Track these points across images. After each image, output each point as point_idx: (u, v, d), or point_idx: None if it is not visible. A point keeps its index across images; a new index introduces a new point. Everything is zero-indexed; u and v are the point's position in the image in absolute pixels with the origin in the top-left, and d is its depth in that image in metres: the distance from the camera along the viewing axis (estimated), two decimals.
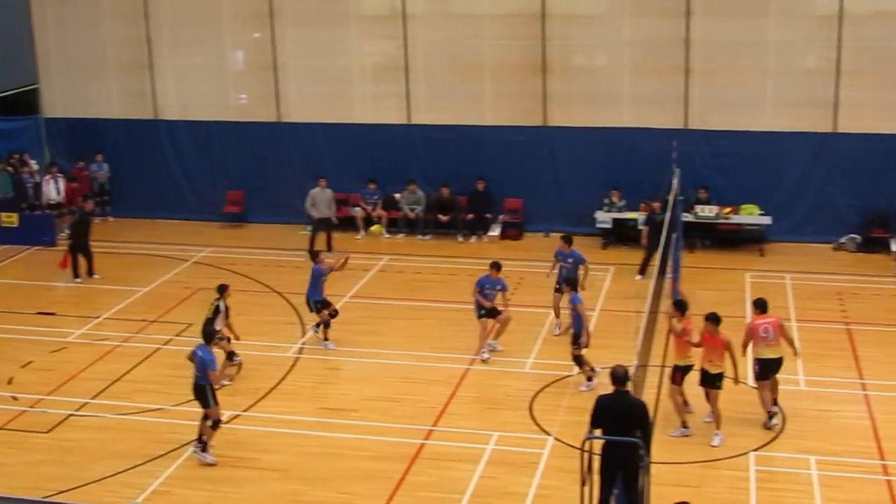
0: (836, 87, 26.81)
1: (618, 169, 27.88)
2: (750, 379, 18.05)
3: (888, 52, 26.82)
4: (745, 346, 17.48)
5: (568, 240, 21.56)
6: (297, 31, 29.25)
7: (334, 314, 20.85)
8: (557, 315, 21.55)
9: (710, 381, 16.94)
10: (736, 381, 17.09)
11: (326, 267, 20.88)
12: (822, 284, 24.36)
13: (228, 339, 19.13)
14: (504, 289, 20.56)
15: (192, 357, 16.50)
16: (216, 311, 18.95)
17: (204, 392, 16.32)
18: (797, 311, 22.63)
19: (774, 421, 17.31)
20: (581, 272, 21.15)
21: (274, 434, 17.37)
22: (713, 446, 16.71)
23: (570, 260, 21.40)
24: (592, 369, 18.68)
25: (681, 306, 17.55)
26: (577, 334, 18.71)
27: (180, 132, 30.27)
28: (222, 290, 19.21)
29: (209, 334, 17.00)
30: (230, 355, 19.31)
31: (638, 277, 24.37)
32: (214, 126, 30.06)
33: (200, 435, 16.47)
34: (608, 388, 13.68)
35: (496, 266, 20.49)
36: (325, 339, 20.84)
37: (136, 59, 30.13)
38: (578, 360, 18.70)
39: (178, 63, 30.20)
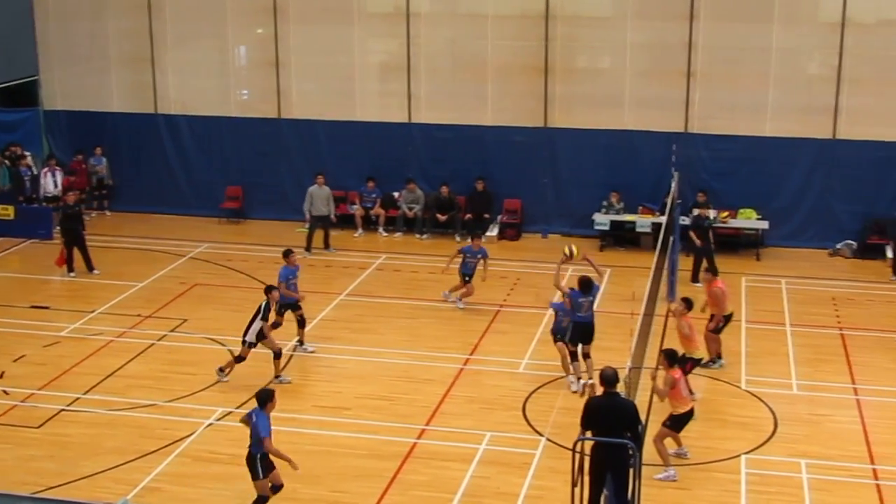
0: (836, 94, 26.85)
1: (617, 171, 27.93)
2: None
3: (889, 61, 26.85)
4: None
5: (479, 237, 23.47)
6: (300, 28, 29.25)
7: (277, 325, 20.31)
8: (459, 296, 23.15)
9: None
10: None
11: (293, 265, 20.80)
12: (818, 290, 24.40)
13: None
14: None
15: (247, 421, 14.79)
16: (263, 310, 18.98)
17: (254, 461, 14.65)
18: (792, 315, 22.69)
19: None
20: (481, 265, 22.91)
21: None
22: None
23: (478, 256, 22.75)
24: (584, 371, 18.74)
25: (688, 304, 18.31)
26: (556, 332, 19.01)
27: (180, 127, 30.27)
28: (269, 290, 19.36)
29: (264, 397, 14.76)
30: (277, 354, 19.21)
31: (698, 285, 24.24)
32: (215, 121, 30.07)
33: None
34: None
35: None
36: (301, 343, 20.65)
37: (137, 52, 30.13)
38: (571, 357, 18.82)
39: (180, 57, 30.21)
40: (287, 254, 20.94)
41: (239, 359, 19.11)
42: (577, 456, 13.03)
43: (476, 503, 15.24)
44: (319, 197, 27.17)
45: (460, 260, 23.05)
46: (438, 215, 28.37)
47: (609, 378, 13.54)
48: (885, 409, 18.33)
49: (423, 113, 29.03)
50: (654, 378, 16.36)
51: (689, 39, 27.22)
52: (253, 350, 18.99)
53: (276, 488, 14.87)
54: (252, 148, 29.96)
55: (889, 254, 26.00)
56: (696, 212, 25.18)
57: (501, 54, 28.46)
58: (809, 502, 15.22)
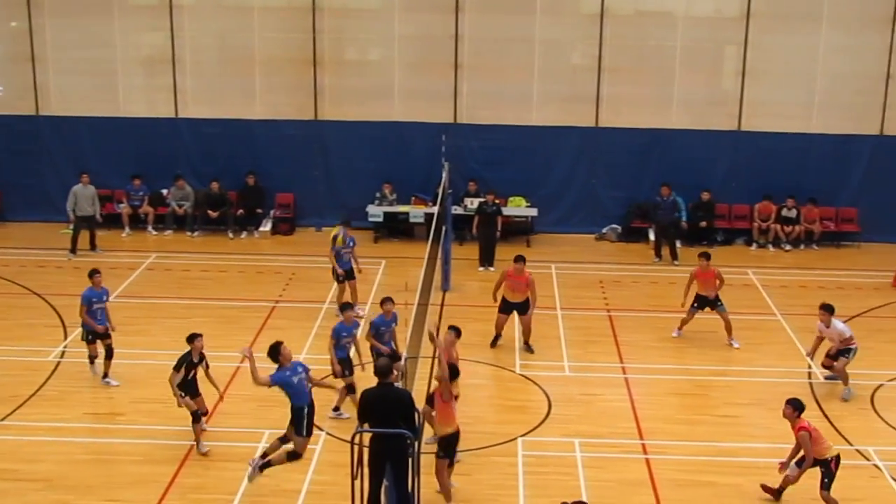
0: (598, 83, 27.77)
1: (389, 163, 28.13)
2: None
3: (646, 50, 28.01)
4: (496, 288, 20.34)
5: (349, 224, 22.30)
6: (57, 21, 28.20)
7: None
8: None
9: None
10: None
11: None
12: (586, 273, 25.20)
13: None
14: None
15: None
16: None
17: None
18: (562, 299, 23.35)
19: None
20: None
21: (35, 442, 16.62)
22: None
23: (351, 245, 21.97)
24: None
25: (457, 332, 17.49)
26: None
27: None
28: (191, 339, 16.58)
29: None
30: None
31: (491, 269, 24.83)
32: None
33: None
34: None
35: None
36: (105, 375, 18.87)
37: None
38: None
39: None
40: (92, 274, 18.78)
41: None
42: (356, 448, 13.02)
43: (256, 503, 15.04)
44: (84, 196, 26.24)
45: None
46: (210, 212, 27.87)
47: (383, 369, 13.57)
48: (651, 385, 19.09)
49: (190, 108, 28.49)
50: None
51: (456, 31, 27.64)
52: (14, 357, 18.19)
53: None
54: (8, 147, 28.65)
55: (651, 237, 27.06)
56: (480, 199, 25.62)
57: (269, 47, 28.20)
58: (584, 480, 15.65)
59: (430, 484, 14.60)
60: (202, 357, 16.51)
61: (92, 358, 18.82)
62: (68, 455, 16.18)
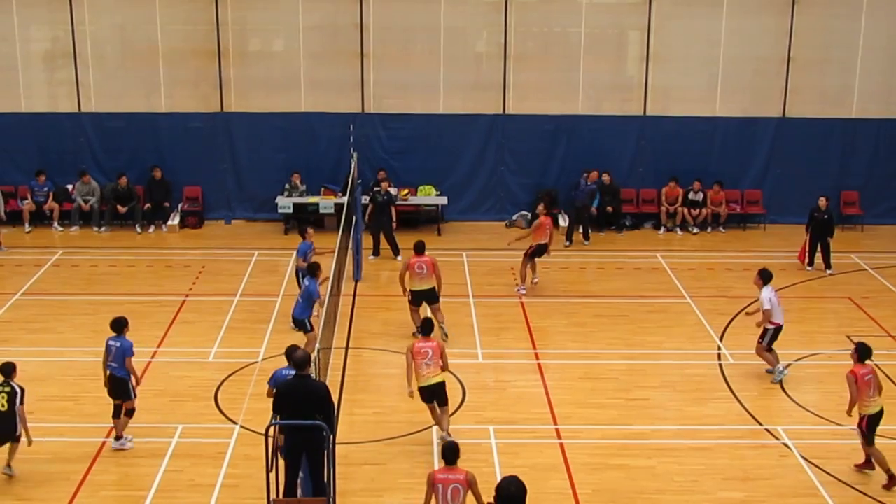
0: (504, 70, 27.90)
1: (297, 154, 28.02)
2: None
3: (551, 37, 28.24)
4: (401, 279, 20.13)
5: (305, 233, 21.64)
6: None
7: None
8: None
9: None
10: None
11: None
12: (497, 260, 25.32)
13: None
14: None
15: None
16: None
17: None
18: (474, 287, 23.45)
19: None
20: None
21: None
22: None
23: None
24: None
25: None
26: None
27: None
28: None
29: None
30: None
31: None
32: None
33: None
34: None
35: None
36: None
37: None
38: None
39: None
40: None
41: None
42: (271, 441, 12.96)
43: (170, 498, 14.89)
44: None
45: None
46: (119, 207, 27.46)
47: (299, 361, 13.52)
48: (563, 370, 19.25)
49: (93, 102, 28.02)
50: None
51: (361, 20, 27.56)
52: None
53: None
54: None
55: (562, 222, 27.27)
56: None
57: (172, 39, 27.85)
58: (498, 466, 15.76)
59: (345, 475, 14.58)
60: None
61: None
62: None
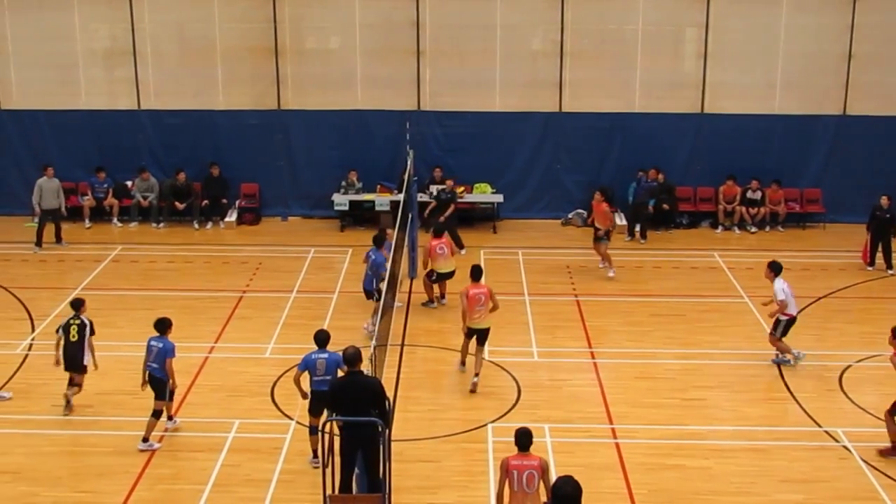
0: (560, 68, 27.80)
1: (353, 151, 28.08)
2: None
3: (606, 34, 28.06)
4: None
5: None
6: (16, 15, 27.94)
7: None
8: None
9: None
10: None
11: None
12: (552, 259, 25.24)
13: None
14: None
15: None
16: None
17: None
18: (529, 285, 23.38)
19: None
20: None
21: (3, 435, 16.54)
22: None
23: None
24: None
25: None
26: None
27: None
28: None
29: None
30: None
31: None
32: None
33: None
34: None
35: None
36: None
37: None
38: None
39: None
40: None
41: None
42: (327, 437, 13.01)
43: (226, 492, 14.99)
44: (49, 189, 25.98)
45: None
46: (177, 203, 27.71)
47: (351, 357, 13.54)
48: (618, 370, 19.13)
49: (151, 99, 28.30)
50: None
51: (417, 18, 27.58)
52: None
53: None
54: None
55: (619, 220, 27.13)
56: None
57: (229, 37, 28.04)
58: (554, 465, 15.65)
59: (399, 472, 14.61)
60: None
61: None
62: (36, 447, 16.09)
